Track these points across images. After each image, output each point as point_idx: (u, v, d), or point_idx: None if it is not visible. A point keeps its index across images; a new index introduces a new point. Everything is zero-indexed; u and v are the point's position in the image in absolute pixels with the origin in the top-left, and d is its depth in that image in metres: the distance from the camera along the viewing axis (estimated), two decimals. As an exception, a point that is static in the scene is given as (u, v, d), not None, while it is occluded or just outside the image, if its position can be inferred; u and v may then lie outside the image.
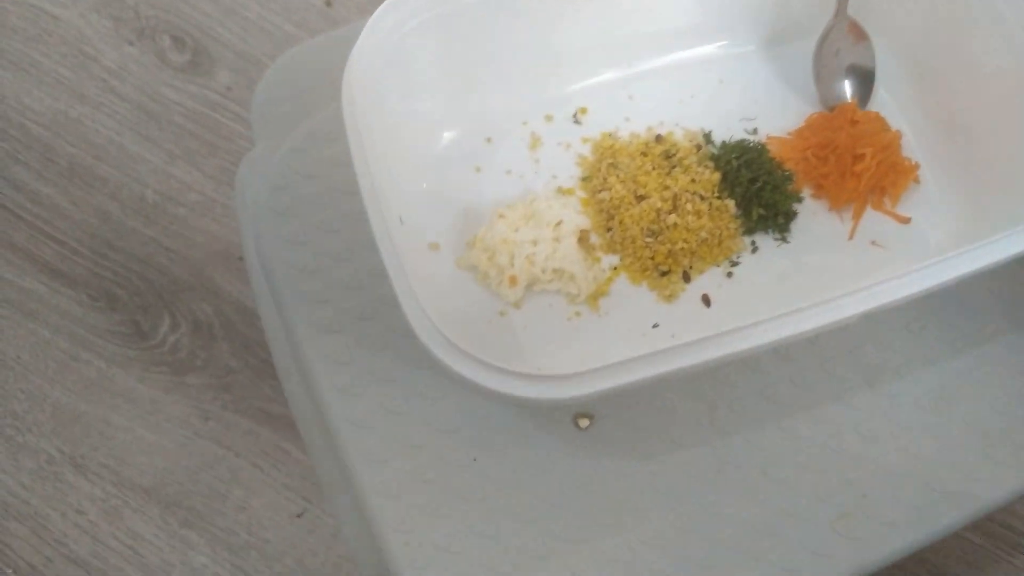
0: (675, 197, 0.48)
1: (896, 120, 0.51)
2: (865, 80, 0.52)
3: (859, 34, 0.51)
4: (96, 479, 0.84)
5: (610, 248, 0.48)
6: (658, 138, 0.50)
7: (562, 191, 0.49)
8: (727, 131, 0.51)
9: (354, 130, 0.39)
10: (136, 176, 0.96)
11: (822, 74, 0.52)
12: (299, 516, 0.83)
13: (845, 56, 0.51)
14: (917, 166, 0.50)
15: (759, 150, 0.49)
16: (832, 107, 0.51)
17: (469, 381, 0.36)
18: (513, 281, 0.46)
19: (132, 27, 1.03)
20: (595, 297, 0.47)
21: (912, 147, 0.51)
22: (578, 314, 0.47)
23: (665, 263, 0.47)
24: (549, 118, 0.51)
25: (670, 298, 0.47)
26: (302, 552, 0.82)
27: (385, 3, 0.42)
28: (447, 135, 0.49)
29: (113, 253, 0.93)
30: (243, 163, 0.57)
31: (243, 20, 1.02)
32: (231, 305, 0.91)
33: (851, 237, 0.49)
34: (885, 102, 0.52)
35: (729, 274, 0.48)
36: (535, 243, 0.46)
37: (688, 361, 0.37)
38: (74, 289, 0.91)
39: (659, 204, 0.47)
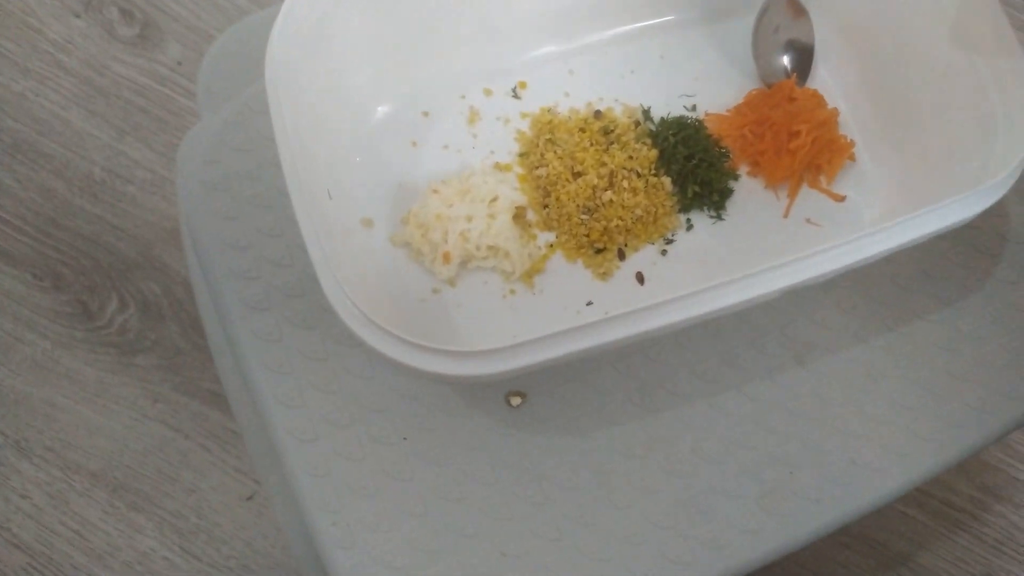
0: (611, 174, 0.47)
1: (834, 98, 0.51)
2: (804, 57, 0.52)
3: (798, 10, 0.51)
4: (41, 463, 0.83)
5: (546, 225, 0.48)
6: (597, 114, 0.50)
7: (499, 167, 0.49)
8: (666, 107, 0.51)
9: (277, 105, 0.38)
10: (83, 152, 0.93)
11: (761, 50, 0.51)
12: (249, 499, 0.82)
13: (784, 32, 0.51)
14: (852, 144, 0.50)
15: (696, 127, 0.49)
16: (771, 84, 0.51)
17: (388, 358, 0.36)
18: (447, 258, 0.45)
19: (78, -1, 0.99)
20: (530, 274, 0.47)
21: (849, 125, 0.51)
22: (513, 291, 0.46)
23: (600, 240, 0.47)
24: (488, 92, 0.50)
25: (605, 276, 0.47)
26: (252, 534, 0.82)
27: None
28: (381, 109, 0.48)
29: (59, 232, 0.91)
30: (186, 138, 0.56)
31: (194, -7, 1.00)
32: (180, 285, 0.89)
33: (786, 215, 0.49)
34: (824, 80, 0.52)
35: (664, 252, 0.48)
36: (469, 219, 0.45)
37: (607, 337, 0.37)
38: (18, 268, 0.89)
39: (595, 181, 0.47)
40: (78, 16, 0.98)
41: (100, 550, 0.81)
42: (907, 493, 0.80)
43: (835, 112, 0.50)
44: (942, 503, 0.88)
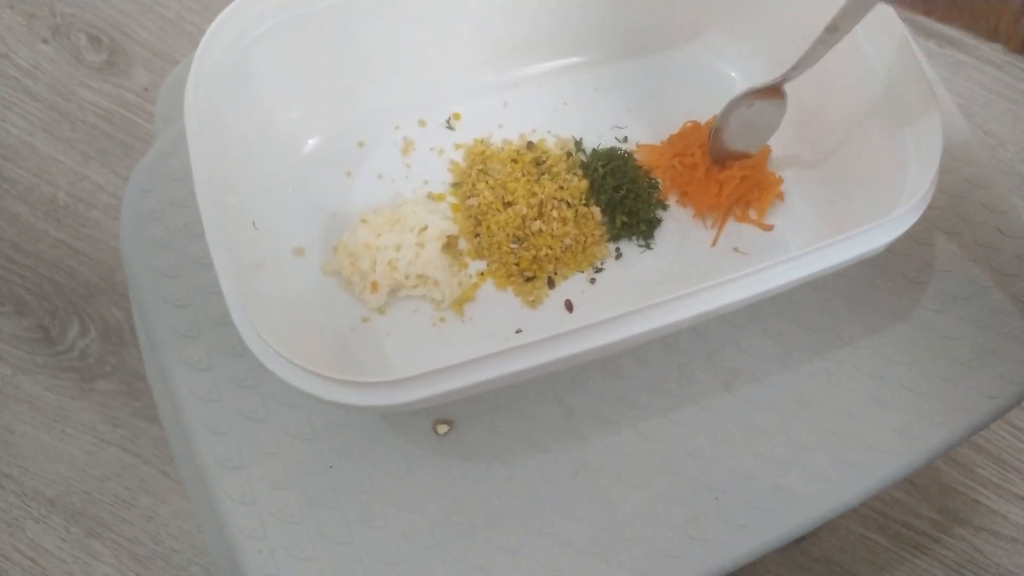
0: (541, 204, 0.48)
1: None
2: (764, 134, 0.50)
3: (776, 95, 0.48)
4: (-3, 488, 0.82)
5: (478, 254, 0.48)
6: (529, 145, 0.51)
7: (432, 196, 0.50)
8: (599, 138, 0.52)
9: (195, 140, 0.39)
10: (47, 177, 0.94)
11: (727, 126, 0.48)
12: (206, 524, 0.82)
13: (755, 112, 0.48)
14: (781, 180, 0.51)
15: (625, 158, 0.50)
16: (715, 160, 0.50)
17: (296, 389, 0.36)
18: (375, 286, 0.45)
19: (47, 24, 1.00)
20: (460, 303, 0.47)
21: (779, 162, 0.52)
22: (443, 320, 0.47)
23: (530, 269, 0.48)
24: (423, 123, 0.51)
25: (534, 304, 0.47)
26: (209, 561, 0.81)
27: (225, 10, 0.42)
28: (312, 141, 0.49)
29: (21, 256, 0.91)
30: (136, 167, 0.57)
31: (161, 19, 1.01)
32: (142, 309, 0.89)
33: (714, 244, 0.50)
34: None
35: (593, 280, 0.48)
36: (398, 248, 0.46)
37: (527, 363, 0.37)
38: (-21, 293, 0.89)
39: (525, 211, 0.48)
40: (46, 42, 0.99)
41: (55, 577, 0.80)
42: (867, 517, 0.80)
43: (767, 150, 0.51)
44: (903, 526, 0.88)
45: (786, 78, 0.46)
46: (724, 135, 0.48)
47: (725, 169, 0.49)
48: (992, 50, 1.07)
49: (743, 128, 0.48)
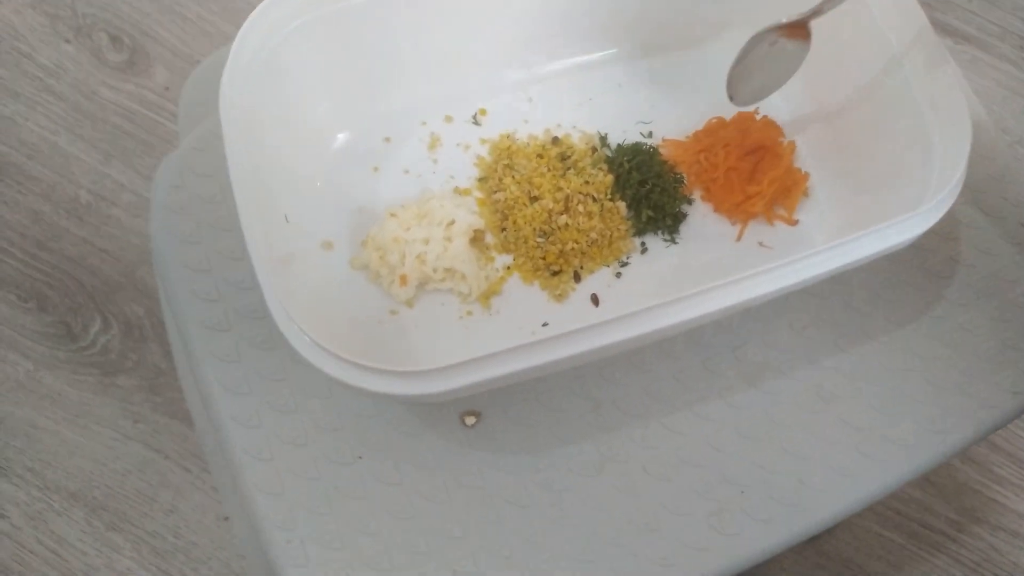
0: (567, 198, 0.48)
1: (790, 131, 0.52)
2: (780, 79, 0.48)
3: (801, 32, 0.46)
4: (20, 482, 0.83)
5: (504, 248, 0.49)
6: (555, 140, 0.51)
7: (459, 191, 0.50)
8: (624, 134, 0.52)
9: (231, 136, 0.39)
10: (70, 176, 0.95)
11: (743, 67, 0.47)
12: (227, 519, 0.83)
13: (776, 52, 0.46)
14: (807, 176, 0.51)
15: (650, 153, 0.50)
16: (733, 97, 0.48)
17: (334, 378, 0.36)
18: (403, 280, 0.46)
19: (69, 25, 1.02)
20: (487, 296, 0.48)
21: (804, 156, 0.52)
22: (470, 313, 0.47)
23: (556, 263, 0.48)
24: (449, 119, 0.52)
25: (560, 297, 0.48)
26: (229, 555, 0.82)
27: (257, 8, 0.42)
28: (342, 136, 0.50)
29: (44, 253, 0.92)
30: (162, 164, 0.57)
31: (182, 20, 1.02)
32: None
33: (739, 239, 0.50)
34: (779, 108, 0.53)
35: (618, 274, 0.49)
36: (426, 242, 0.46)
37: (555, 355, 0.37)
38: (3, 289, 0.90)
39: (551, 205, 0.48)
40: (68, 41, 1.00)
41: (77, 570, 0.81)
42: (883, 515, 0.80)
43: (792, 146, 0.51)
44: (920, 525, 0.88)
45: (816, 11, 0.44)
46: (739, 68, 0.46)
47: (755, 183, 0.49)
48: (1009, 47, 1.07)
49: (759, 66, 0.46)
